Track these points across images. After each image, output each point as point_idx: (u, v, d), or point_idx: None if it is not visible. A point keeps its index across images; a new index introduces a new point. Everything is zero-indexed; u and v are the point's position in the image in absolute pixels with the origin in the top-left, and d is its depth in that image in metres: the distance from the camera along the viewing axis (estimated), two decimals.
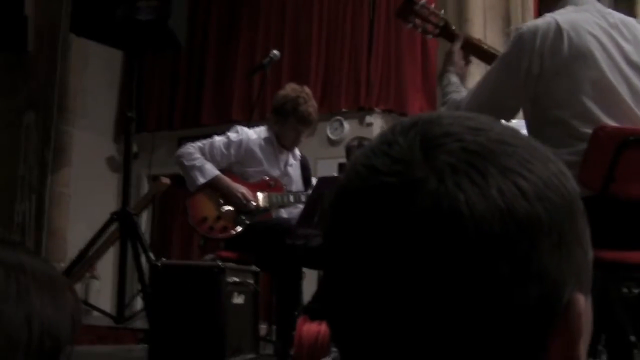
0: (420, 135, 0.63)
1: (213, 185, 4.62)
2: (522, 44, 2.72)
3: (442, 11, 3.27)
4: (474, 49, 3.26)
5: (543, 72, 2.69)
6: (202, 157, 4.62)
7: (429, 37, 3.31)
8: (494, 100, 2.81)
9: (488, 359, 0.60)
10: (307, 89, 4.88)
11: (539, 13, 3.04)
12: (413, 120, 0.66)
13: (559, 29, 2.69)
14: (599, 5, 2.87)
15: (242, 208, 4.62)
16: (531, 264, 0.59)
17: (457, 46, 3.18)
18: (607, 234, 2.54)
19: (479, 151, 0.61)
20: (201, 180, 4.59)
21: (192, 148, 4.65)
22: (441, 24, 3.23)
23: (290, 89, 4.84)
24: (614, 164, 2.58)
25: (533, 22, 2.79)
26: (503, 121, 3.06)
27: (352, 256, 0.62)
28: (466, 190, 0.59)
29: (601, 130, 2.61)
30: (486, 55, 3.27)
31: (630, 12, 6.48)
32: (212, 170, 4.61)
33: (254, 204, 4.63)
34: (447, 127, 0.63)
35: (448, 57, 3.18)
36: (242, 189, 4.64)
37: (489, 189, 0.59)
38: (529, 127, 2.85)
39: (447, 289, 0.59)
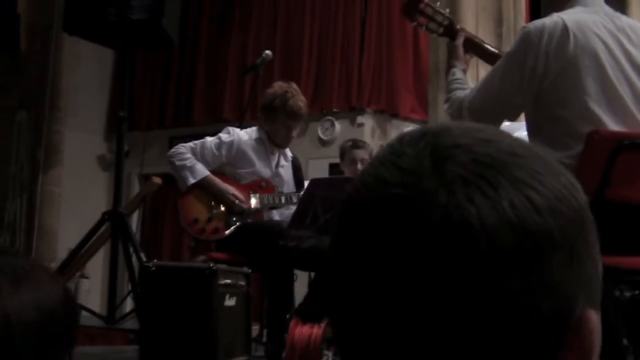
0: (429, 146, 0.63)
1: (204, 186, 4.62)
2: (528, 42, 2.72)
3: (447, 10, 3.26)
4: (475, 47, 3.25)
5: (547, 71, 2.69)
6: (193, 158, 4.62)
7: (433, 35, 3.31)
8: (500, 98, 2.81)
9: None
10: (294, 85, 4.89)
11: (546, 13, 3.03)
12: (422, 131, 0.66)
13: (565, 29, 2.69)
14: (607, 8, 2.86)
15: (233, 209, 4.61)
16: (543, 278, 0.59)
17: (461, 40, 3.17)
18: (602, 239, 2.55)
19: (489, 163, 0.61)
20: (191, 180, 4.59)
21: (184, 148, 4.65)
22: (445, 22, 3.22)
23: (278, 86, 4.85)
24: (609, 168, 2.58)
25: (540, 21, 2.78)
26: (507, 123, 3.08)
27: (361, 268, 0.62)
28: (477, 203, 0.58)
29: (596, 134, 2.61)
30: (486, 54, 3.26)
31: (622, 1, 6.49)
32: (202, 171, 4.61)
33: (245, 205, 4.62)
34: (456, 139, 0.63)
35: (453, 51, 3.17)
36: (233, 190, 4.63)
37: (500, 201, 0.59)
38: (528, 126, 2.85)
39: (457, 302, 0.58)
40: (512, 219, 0.58)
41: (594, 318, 0.62)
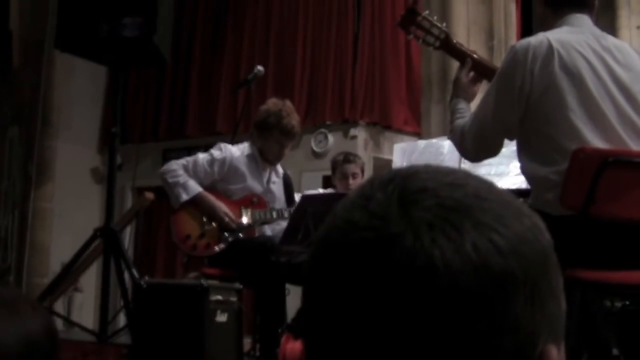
0: (397, 190, 0.65)
1: (196, 203, 4.62)
2: (515, 60, 2.76)
3: (444, 24, 3.28)
4: (485, 70, 3.24)
5: (533, 88, 2.72)
6: (185, 174, 4.62)
7: (430, 48, 3.33)
8: (496, 119, 2.83)
9: None
10: (288, 103, 4.89)
11: (537, 32, 3.06)
12: (391, 174, 0.68)
13: (550, 47, 2.72)
14: (595, 29, 2.89)
15: (224, 226, 4.62)
16: (506, 317, 0.61)
17: (465, 72, 3.18)
18: (587, 254, 2.58)
19: (454, 207, 0.63)
20: (184, 197, 4.59)
21: (176, 165, 4.65)
22: (442, 36, 3.24)
23: (272, 103, 4.84)
24: (594, 185, 2.60)
25: (526, 40, 2.82)
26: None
27: (331, 307, 0.64)
28: (442, 246, 0.60)
29: (581, 152, 2.63)
30: (487, 70, 3.26)
31: (612, 26, 6.53)
32: (195, 187, 4.62)
33: (236, 222, 4.62)
34: (424, 182, 0.65)
35: (456, 83, 3.18)
36: (224, 208, 4.63)
37: (464, 244, 0.61)
38: (518, 141, 2.87)
39: (422, 342, 0.60)
40: (475, 261, 0.60)
41: (555, 353, 0.64)
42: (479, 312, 0.60)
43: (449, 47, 3.26)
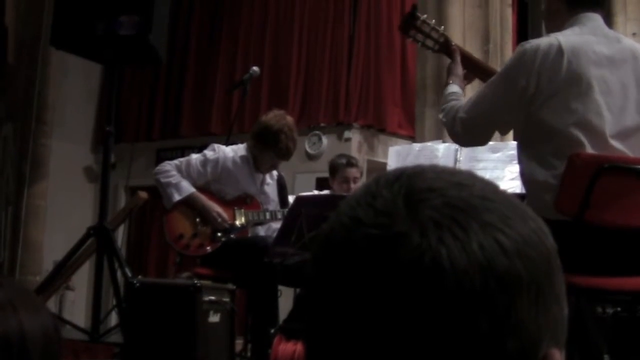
0: (404, 189, 0.64)
1: (189, 203, 4.62)
2: (523, 61, 2.74)
3: (442, 27, 3.29)
4: (470, 63, 3.27)
5: (538, 92, 2.69)
6: (178, 175, 4.61)
7: (429, 52, 3.35)
8: (492, 112, 2.85)
9: None
10: (289, 121, 4.80)
11: (547, 26, 3.05)
12: (397, 173, 0.67)
13: (560, 51, 2.70)
14: (608, 31, 2.87)
15: (217, 227, 4.61)
16: (509, 318, 0.61)
17: (457, 58, 3.20)
18: (581, 260, 2.57)
19: (461, 206, 0.63)
20: (177, 197, 4.59)
21: (169, 166, 4.65)
22: (441, 40, 3.26)
23: (274, 119, 4.76)
24: (589, 191, 2.60)
25: (537, 41, 2.80)
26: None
27: (335, 305, 0.63)
28: (448, 245, 0.60)
29: (577, 158, 2.63)
30: (481, 71, 3.29)
31: (609, 26, 6.55)
32: (188, 188, 4.61)
33: (228, 223, 4.62)
34: (430, 182, 0.65)
35: (451, 69, 3.20)
36: (217, 208, 4.63)
37: (470, 243, 0.61)
38: (519, 140, 2.87)
39: (426, 340, 0.60)
40: (481, 261, 0.60)
41: (558, 357, 0.64)
42: (483, 312, 0.60)
43: (448, 50, 3.27)
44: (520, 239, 0.63)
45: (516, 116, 2.79)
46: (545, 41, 2.76)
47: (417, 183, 0.65)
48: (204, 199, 4.65)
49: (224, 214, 4.63)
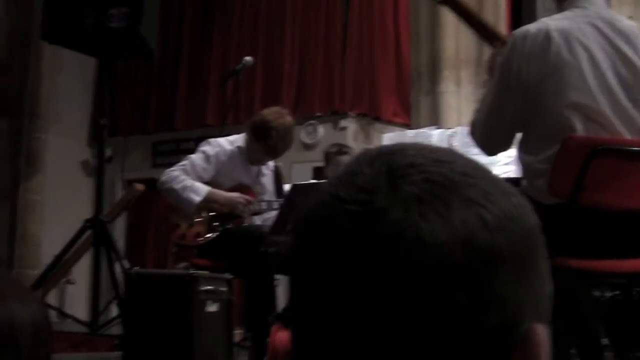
0: (385, 166, 0.65)
1: (209, 200, 4.59)
2: (513, 48, 2.72)
3: None
4: (484, 31, 3.16)
5: (529, 76, 2.67)
6: (188, 177, 4.58)
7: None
8: (499, 108, 2.76)
9: None
10: (288, 120, 4.78)
11: (557, 10, 2.97)
12: (378, 151, 0.68)
13: (548, 36, 2.67)
14: (606, 12, 2.82)
15: (252, 211, 4.60)
16: (490, 293, 0.61)
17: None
18: (576, 243, 2.57)
19: (442, 182, 0.63)
20: (197, 198, 4.54)
21: (177, 172, 4.59)
22: None
23: (273, 116, 4.74)
24: (583, 173, 2.59)
25: (525, 27, 2.76)
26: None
27: (317, 282, 0.64)
28: (430, 220, 0.60)
29: (570, 140, 2.62)
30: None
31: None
32: (203, 187, 4.58)
33: (255, 202, 4.62)
34: (411, 159, 0.65)
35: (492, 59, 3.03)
36: (237, 195, 4.62)
37: (452, 219, 0.61)
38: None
39: (407, 315, 0.60)
40: (463, 235, 0.60)
41: (542, 331, 0.64)
42: (465, 286, 0.60)
43: (451, 2, 3.15)
44: (502, 214, 0.63)
45: (519, 104, 2.73)
46: (533, 27, 2.74)
47: (397, 160, 0.65)
48: (221, 191, 4.63)
49: (247, 196, 4.63)
